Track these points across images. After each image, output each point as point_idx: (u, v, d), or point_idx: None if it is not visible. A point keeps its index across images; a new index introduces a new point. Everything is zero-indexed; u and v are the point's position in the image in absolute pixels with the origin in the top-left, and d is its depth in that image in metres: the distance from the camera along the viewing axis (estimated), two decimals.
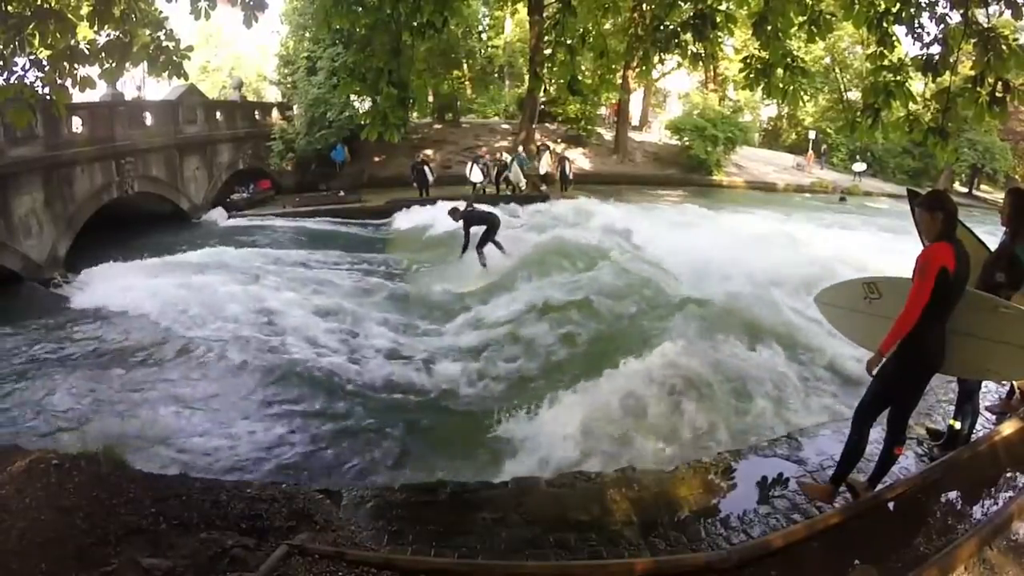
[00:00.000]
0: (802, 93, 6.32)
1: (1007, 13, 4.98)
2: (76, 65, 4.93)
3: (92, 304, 11.90)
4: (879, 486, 4.49)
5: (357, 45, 6.61)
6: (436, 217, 19.94)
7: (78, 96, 5.41)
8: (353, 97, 21.48)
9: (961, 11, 4.80)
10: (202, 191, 21.64)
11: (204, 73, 41.61)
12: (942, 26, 4.99)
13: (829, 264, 12.26)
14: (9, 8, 4.74)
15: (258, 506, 4.18)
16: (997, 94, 4.62)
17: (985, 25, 4.71)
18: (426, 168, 23.34)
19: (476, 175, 22.92)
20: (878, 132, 5.50)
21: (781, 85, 6.04)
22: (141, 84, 28.64)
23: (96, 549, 3.57)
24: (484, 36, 37.37)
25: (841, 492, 4.43)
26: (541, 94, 27.90)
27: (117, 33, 5.07)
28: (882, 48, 5.42)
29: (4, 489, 4.00)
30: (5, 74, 4.79)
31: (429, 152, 27.56)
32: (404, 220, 20.90)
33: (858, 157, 36.63)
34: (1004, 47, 4.52)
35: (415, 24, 5.68)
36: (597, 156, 30.77)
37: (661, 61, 6.76)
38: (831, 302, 5.20)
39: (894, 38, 5.46)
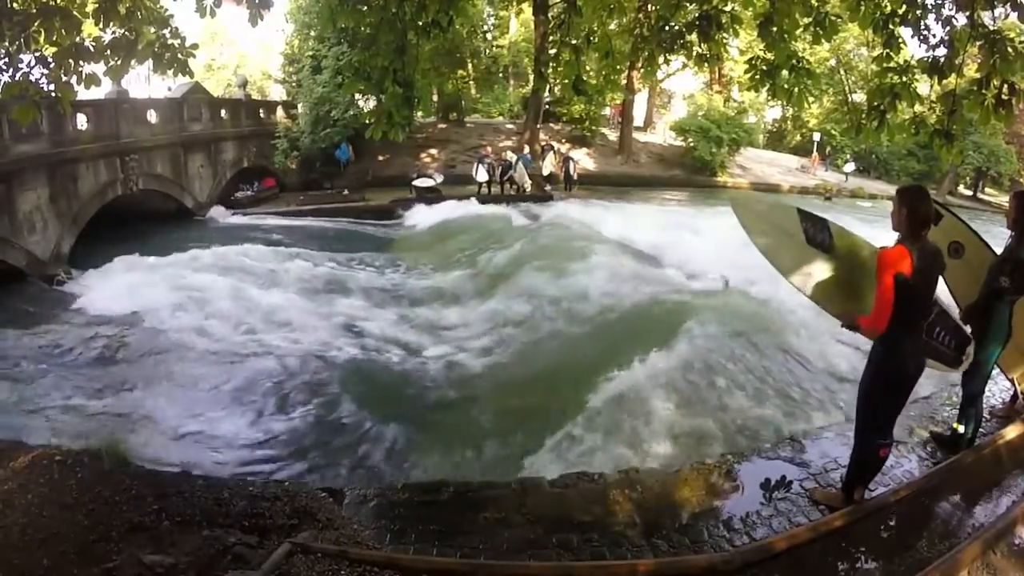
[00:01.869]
0: (807, 95, 6.29)
1: (1013, 16, 4.97)
2: (81, 62, 4.93)
3: (95, 301, 11.94)
4: (881, 489, 4.49)
5: (362, 44, 6.57)
6: (441, 216, 20.01)
7: (83, 93, 5.42)
8: (358, 96, 21.55)
9: (967, 13, 4.78)
10: (206, 189, 21.66)
11: (209, 71, 41.73)
12: (948, 28, 4.97)
13: None
14: (15, 5, 4.75)
15: (260, 504, 4.17)
16: (1003, 97, 4.60)
17: (991, 27, 4.70)
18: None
19: (481, 174, 22.91)
20: (883, 134, 5.48)
21: (786, 86, 6.02)
22: (172, 84, 28.55)
23: (98, 546, 3.57)
24: (489, 36, 37.38)
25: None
26: (545, 94, 27.97)
27: (122, 31, 5.08)
28: (888, 50, 5.41)
29: (7, 485, 4.01)
30: (11, 71, 4.79)
31: (434, 151, 27.64)
32: (410, 219, 20.94)
33: (848, 157, 36.65)
34: (1010, 49, 4.50)
35: (420, 23, 5.68)
36: (601, 156, 30.76)
37: (666, 62, 6.74)
38: (750, 217, 5.11)
39: (900, 40, 5.44)
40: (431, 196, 22.27)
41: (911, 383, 4.06)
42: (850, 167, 35.18)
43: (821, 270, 4.60)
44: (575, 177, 25.41)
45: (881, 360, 3.98)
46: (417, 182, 22.98)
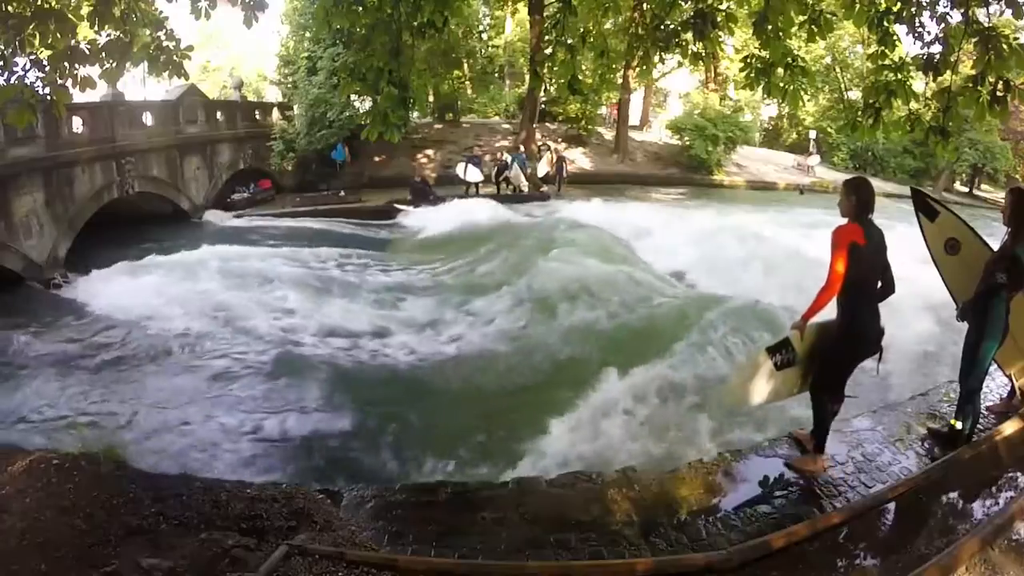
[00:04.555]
0: (802, 92, 6.28)
1: (1008, 12, 4.97)
2: (76, 65, 4.92)
3: (92, 304, 11.90)
4: (879, 486, 4.53)
5: (357, 45, 6.57)
6: (438, 217, 19.99)
7: (78, 96, 5.41)
8: (353, 97, 21.43)
9: (962, 10, 4.79)
10: (203, 191, 21.62)
11: (204, 73, 41.63)
12: (943, 25, 4.98)
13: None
14: (9, 8, 4.73)
15: (258, 506, 4.17)
16: (998, 93, 4.60)
17: (986, 24, 4.70)
18: (425, 186, 23.13)
19: (473, 175, 22.74)
20: (879, 131, 5.50)
21: (781, 84, 6.01)
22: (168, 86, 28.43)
23: (96, 549, 3.57)
24: (484, 36, 37.40)
25: (841, 493, 4.52)
26: (541, 94, 27.97)
27: (117, 33, 5.07)
28: (883, 47, 5.41)
29: (4, 489, 4.00)
30: (5, 74, 4.77)
31: (430, 152, 27.63)
32: (406, 220, 20.91)
33: (812, 150, 36.60)
34: (1005, 46, 4.51)
35: (415, 24, 5.67)
36: (597, 156, 30.76)
37: (661, 60, 6.71)
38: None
39: (895, 37, 5.44)
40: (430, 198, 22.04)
41: (871, 349, 4.47)
42: (815, 159, 35.07)
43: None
44: (565, 176, 25.47)
45: (843, 327, 4.37)
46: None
